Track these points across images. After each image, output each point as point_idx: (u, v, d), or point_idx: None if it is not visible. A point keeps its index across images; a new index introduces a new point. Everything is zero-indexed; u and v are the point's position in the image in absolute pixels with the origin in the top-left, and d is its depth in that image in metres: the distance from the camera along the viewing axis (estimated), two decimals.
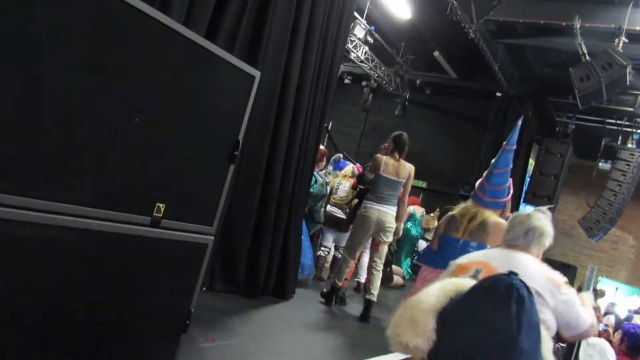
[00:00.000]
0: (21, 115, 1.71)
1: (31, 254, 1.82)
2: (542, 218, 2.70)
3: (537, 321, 1.67)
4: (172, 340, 2.41)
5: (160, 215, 2.16)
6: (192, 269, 2.38)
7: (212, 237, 2.39)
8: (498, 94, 11.06)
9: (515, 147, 4.54)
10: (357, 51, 10.09)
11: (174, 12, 3.21)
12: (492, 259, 2.62)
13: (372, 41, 10.08)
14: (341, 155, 8.63)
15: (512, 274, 1.69)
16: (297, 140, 5.07)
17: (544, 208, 3.30)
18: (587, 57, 7.84)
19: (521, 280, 1.67)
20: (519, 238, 2.63)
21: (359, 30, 9.54)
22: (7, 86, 1.68)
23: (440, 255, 4.31)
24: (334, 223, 6.97)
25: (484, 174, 4.56)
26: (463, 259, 2.73)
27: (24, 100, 1.73)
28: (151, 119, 2.10)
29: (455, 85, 11.70)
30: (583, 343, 3.89)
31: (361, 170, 9.04)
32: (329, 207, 7.00)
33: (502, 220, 4.17)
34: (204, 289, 4.43)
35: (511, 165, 4.38)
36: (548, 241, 2.65)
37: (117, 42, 1.95)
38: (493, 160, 4.55)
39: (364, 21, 9.38)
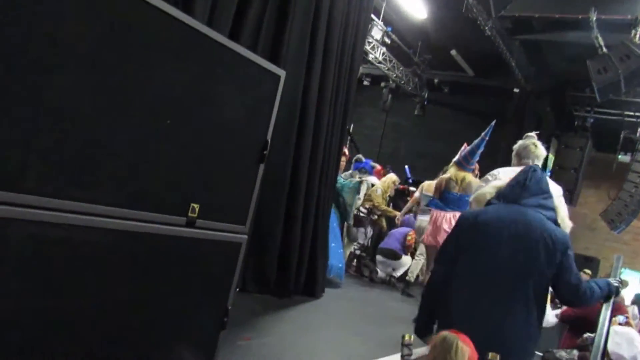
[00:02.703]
0: (59, 119, 1.78)
1: (71, 256, 1.87)
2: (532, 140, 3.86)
3: None
4: (211, 338, 2.46)
5: (195, 215, 2.21)
6: (228, 268, 2.43)
7: (246, 236, 2.46)
8: (515, 91, 11.12)
9: (487, 138, 6.32)
10: (375, 52, 10.23)
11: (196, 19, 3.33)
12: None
13: (389, 42, 10.22)
14: (362, 156, 8.81)
15: None
16: (321, 141, 5.19)
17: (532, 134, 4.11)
18: (604, 50, 7.89)
19: None
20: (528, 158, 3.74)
21: (376, 32, 9.69)
22: (45, 91, 1.73)
23: (444, 203, 6.50)
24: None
25: (467, 150, 6.54)
26: (508, 172, 3.43)
27: (60, 104, 1.78)
28: (181, 120, 2.15)
29: (473, 83, 11.78)
30: (611, 332, 3.94)
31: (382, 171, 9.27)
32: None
33: (477, 179, 6.30)
34: (237, 289, 4.53)
35: (482, 149, 6.38)
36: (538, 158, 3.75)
37: (146, 46, 2.00)
38: (476, 142, 6.40)
39: (380, 22, 9.53)
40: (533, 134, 4.20)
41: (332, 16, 5.11)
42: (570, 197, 12.00)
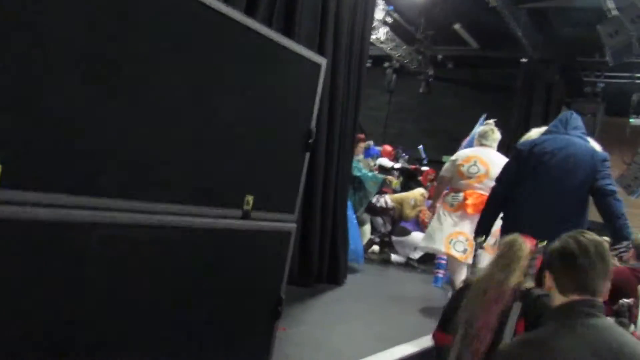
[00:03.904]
0: (125, 122, 1.80)
1: (139, 254, 1.91)
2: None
3: None
4: (268, 327, 2.51)
5: (250, 207, 2.24)
6: (280, 257, 2.47)
7: (295, 225, 2.46)
8: (523, 60, 10.93)
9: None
10: (377, 33, 10.05)
11: None
12: (479, 153, 5.23)
13: (391, 21, 10.04)
14: (371, 143, 8.75)
15: None
16: (336, 126, 5.11)
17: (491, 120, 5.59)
18: (614, 12, 7.70)
19: None
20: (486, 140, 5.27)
21: (378, 12, 9.48)
22: (104, 95, 1.75)
23: None
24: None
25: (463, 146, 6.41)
26: (466, 153, 5.37)
27: (117, 105, 1.80)
28: (230, 114, 2.18)
29: (478, 55, 11.58)
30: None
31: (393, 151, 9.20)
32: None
33: None
34: None
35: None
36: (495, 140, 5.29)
37: (192, 42, 2.01)
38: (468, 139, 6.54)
39: (382, 1, 9.34)
40: (491, 121, 5.67)
41: (341, 5, 5.03)
42: None
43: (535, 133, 3.87)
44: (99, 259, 1.75)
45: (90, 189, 1.71)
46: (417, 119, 12.91)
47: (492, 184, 4.54)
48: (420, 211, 7.68)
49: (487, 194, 4.72)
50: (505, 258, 2.44)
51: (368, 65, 12.43)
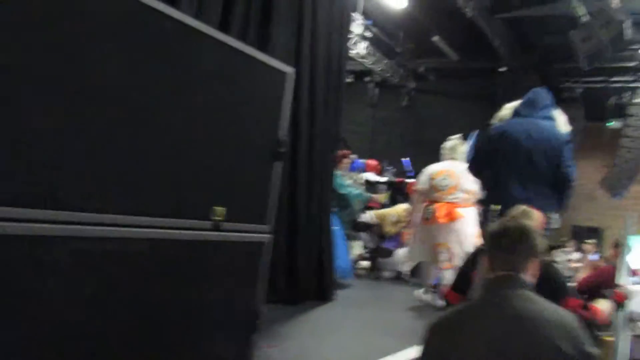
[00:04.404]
0: (90, 135, 1.82)
1: (106, 268, 1.92)
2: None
3: None
4: (245, 340, 2.51)
5: (220, 218, 2.26)
6: (255, 268, 2.46)
7: (270, 235, 2.48)
8: (502, 69, 11.07)
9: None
10: (357, 48, 10.15)
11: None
12: (449, 166, 5.75)
13: (370, 36, 10.14)
14: (354, 156, 8.82)
15: None
16: (316, 141, 5.17)
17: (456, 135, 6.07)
18: (586, 19, 7.85)
19: None
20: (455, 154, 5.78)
21: (356, 27, 9.59)
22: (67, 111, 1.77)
23: None
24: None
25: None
26: (437, 167, 5.88)
27: (82, 118, 1.82)
28: (197, 125, 2.20)
29: (459, 67, 11.68)
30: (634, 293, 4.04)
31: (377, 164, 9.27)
32: None
33: None
34: None
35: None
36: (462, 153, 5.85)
37: (154, 54, 2.05)
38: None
39: (360, 16, 9.44)
40: (457, 135, 6.13)
41: (316, 13, 5.11)
42: None
43: (507, 110, 4.15)
44: (65, 272, 1.75)
45: (55, 202, 1.72)
46: (402, 131, 12.99)
47: (462, 195, 5.55)
48: (402, 227, 7.70)
49: (457, 202, 5.50)
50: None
51: (350, 80, 12.69)
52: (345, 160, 6.78)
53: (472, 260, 3.04)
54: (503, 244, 1.98)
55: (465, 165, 5.42)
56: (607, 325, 3.21)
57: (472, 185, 5.47)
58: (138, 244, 1.96)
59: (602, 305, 3.30)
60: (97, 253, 1.85)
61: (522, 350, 1.71)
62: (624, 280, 3.35)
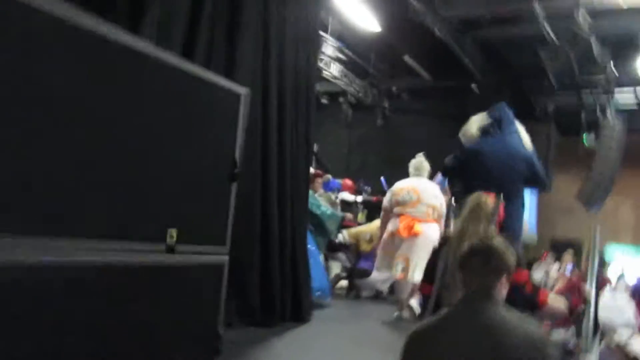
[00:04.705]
0: (38, 157, 1.77)
1: (53, 295, 1.87)
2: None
3: None
4: None
5: (174, 240, 2.22)
6: (213, 290, 2.43)
7: (227, 257, 2.45)
8: (474, 87, 11.21)
9: None
10: (330, 69, 10.25)
11: None
12: (412, 182, 6.12)
13: (343, 57, 10.24)
14: (330, 177, 8.83)
15: None
16: (286, 161, 5.15)
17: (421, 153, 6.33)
18: (553, 37, 8.02)
19: None
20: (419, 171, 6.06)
21: (328, 49, 9.70)
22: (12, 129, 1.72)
23: None
24: None
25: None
26: (401, 184, 6.24)
27: (30, 138, 1.79)
28: (148, 148, 2.17)
29: (431, 86, 11.83)
30: (600, 303, 4.09)
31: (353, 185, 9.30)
32: None
33: None
34: None
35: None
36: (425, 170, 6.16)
37: (103, 77, 2.03)
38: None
39: (331, 38, 9.55)
40: (421, 153, 6.45)
41: (283, 33, 5.16)
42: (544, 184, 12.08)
43: (474, 125, 4.39)
44: (7, 303, 1.69)
45: None
46: (378, 150, 13.05)
47: (424, 209, 5.92)
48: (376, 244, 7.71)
49: (419, 216, 5.85)
50: (475, 212, 3.03)
51: (325, 101, 12.77)
52: (319, 180, 6.80)
53: (437, 252, 3.32)
54: (473, 264, 2.12)
55: (430, 182, 6.15)
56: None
57: (434, 200, 5.95)
58: (89, 268, 1.90)
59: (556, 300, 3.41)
60: (45, 279, 1.78)
61: (494, 358, 1.84)
62: (588, 287, 3.42)
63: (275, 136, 5.01)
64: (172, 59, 2.22)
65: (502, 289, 2.11)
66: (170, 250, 2.22)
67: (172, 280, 2.25)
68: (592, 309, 3.09)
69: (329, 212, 6.75)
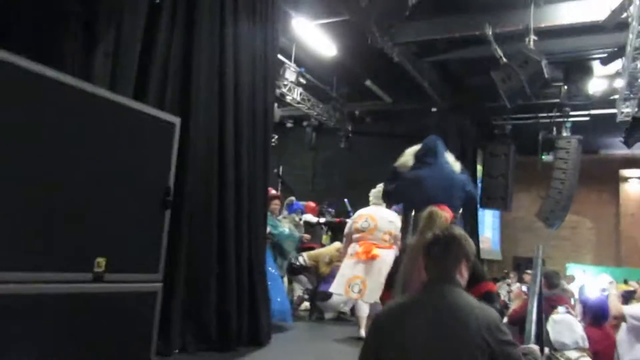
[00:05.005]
0: None
1: None
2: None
3: None
4: None
5: (102, 269, 2.22)
6: (146, 319, 2.41)
7: (160, 284, 2.45)
8: (433, 110, 11.45)
9: None
10: (292, 94, 10.37)
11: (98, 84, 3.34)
12: (370, 211, 6.51)
13: (304, 82, 10.39)
14: (293, 199, 8.90)
15: None
16: (243, 186, 5.18)
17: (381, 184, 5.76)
18: (504, 59, 8.27)
19: None
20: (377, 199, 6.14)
21: (290, 74, 9.83)
22: None
23: None
24: None
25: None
26: (360, 212, 6.64)
27: None
28: (78, 178, 2.17)
29: (392, 109, 12.06)
30: (550, 321, 4.17)
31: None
32: None
33: None
34: (177, 351, 4.39)
35: None
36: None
37: (31, 111, 2.04)
38: None
39: (292, 64, 9.69)
40: (382, 184, 5.91)
41: (239, 58, 5.23)
42: (504, 203, 12.37)
43: (408, 156, 4.62)
44: None
45: None
46: (342, 173, 13.19)
47: (381, 235, 6.30)
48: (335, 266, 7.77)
49: (376, 242, 6.24)
50: (429, 226, 3.12)
51: (290, 125, 12.88)
52: (275, 202, 6.86)
53: (398, 260, 3.59)
54: (435, 251, 2.27)
55: (386, 210, 6.42)
56: None
57: (390, 226, 6.29)
58: (16, 300, 1.90)
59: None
60: None
61: (452, 336, 1.99)
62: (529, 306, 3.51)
63: (232, 159, 5.05)
64: (100, 90, 2.25)
65: (463, 275, 2.25)
66: (99, 279, 2.22)
67: (102, 309, 2.22)
68: (533, 329, 3.16)
69: (286, 232, 6.81)
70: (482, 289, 3.58)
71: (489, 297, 3.60)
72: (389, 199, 5.23)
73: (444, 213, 3.41)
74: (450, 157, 4.65)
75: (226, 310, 4.83)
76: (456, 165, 4.61)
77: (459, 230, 2.41)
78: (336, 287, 6.36)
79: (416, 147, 4.65)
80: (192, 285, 4.50)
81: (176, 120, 2.64)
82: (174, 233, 3.63)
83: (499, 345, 1.99)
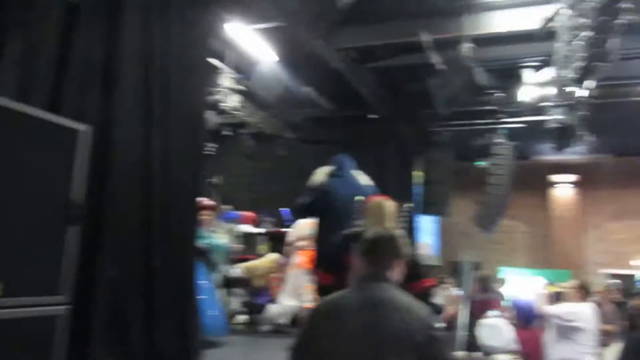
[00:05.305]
0: None
1: None
2: None
3: None
4: None
5: None
6: (47, 344, 2.19)
7: (65, 307, 2.23)
8: (371, 117, 11.46)
9: None
10: (230, 101, 10.12)
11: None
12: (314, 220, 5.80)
13: (242, 88, 10.16)
14: (227, 208, 8.72)
15: None
16: (171, 194, 4.93)
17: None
18: (441, 66, 8.35)
19: None
20: None
21: (227, 80, 9.59)
22: None
23: None
24: None
25: None
26: (302, 220, 6.97)
27: None
28: None
29: (332, 116, 11.99)
30: (479, 325, 4.22)
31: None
32: None
33: None
34: None
35: None
36: None
37: None
38: None
39: (230, 70, 9.46)
40: None
41: (165, 64, 5.00)
42: (443, 209, 12.52)
43: (322, 174, 5.19)
44: None
45: None
46: (282, 181, 12.98)
47: None
48: (270, 279, 7.66)
49: None
50: (376, 215, 3.48)
51: (228, 132, 12.58)
52: (206, 212, 6.60)
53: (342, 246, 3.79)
54: (370, 249, 2.40)
55: None
56: None
57: None
58: None
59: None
60: None
61: (382, 331, 2.07)
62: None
63: (159, 169, 4.81)
64: None
65: (395, 272, 2.35)
66: None
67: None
68: (460, 332, 3.19)
69: (214, 243, 6.60)
70: (423, 284, 3.75)
71: (429, 293, 3.86)
72: (306, 213, 5.60)
73: (392, 202, 3.74)
74: (359, 174, 5.26)
75: (152, 329, 4.59)
76: (365, 180, 5.19)
77: (393, 231, 2.57)
78: (285, 298, 6.58)
79: (326, 167, 5.28)
80: (114, 306, 4.21)
81: (81, 127, 2.40)
82: (91, 249, 3.37)
83: (427, 340, 2.07)
